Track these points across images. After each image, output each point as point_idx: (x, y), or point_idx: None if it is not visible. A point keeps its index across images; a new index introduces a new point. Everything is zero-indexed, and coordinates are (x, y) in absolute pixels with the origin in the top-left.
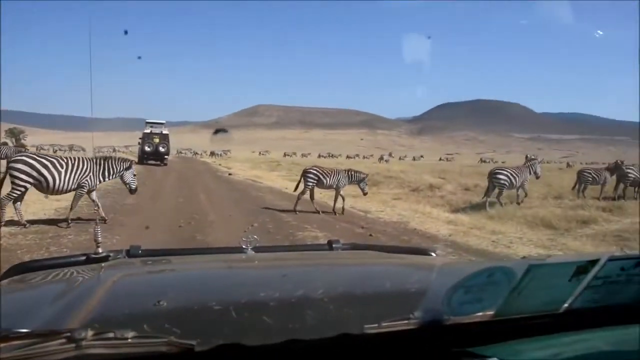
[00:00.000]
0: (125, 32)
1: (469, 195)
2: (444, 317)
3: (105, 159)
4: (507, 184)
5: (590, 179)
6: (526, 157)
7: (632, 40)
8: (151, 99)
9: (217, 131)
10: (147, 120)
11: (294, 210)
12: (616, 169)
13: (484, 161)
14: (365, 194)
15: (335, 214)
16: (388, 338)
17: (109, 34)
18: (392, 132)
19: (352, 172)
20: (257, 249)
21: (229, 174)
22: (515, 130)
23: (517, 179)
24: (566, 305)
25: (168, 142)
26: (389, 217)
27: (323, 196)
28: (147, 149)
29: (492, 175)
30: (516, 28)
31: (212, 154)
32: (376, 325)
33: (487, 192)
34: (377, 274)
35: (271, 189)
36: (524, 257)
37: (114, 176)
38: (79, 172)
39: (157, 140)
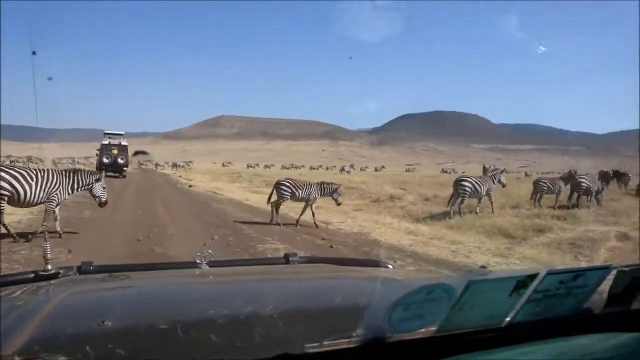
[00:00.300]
0: (34, 53)
1: (428, 206)
2: (387, 334)
3: (74, 171)
4: (472, 192)
5: (546, 188)
6: (484, 167)
7: (582, 55)
8: (110, 109)
9: (137, 152)
10: (105, 131)
11: (277, 223)
12: (570, 178)
13: (446, 172)
14: (339, 204)
15: (297, 226)
16: (329, 357)
17: (62, 44)
18: (353, 143)
19: (325, 185)
20: (211, 264)
21: (190, 186)
22: (474, 140)
23: (482, 187)
24: (508, 319)
25: (127, 153)
26: (350, 228)
27: (285, 207)
28: (105, 160)
29: (457, 184)
30: (474, 39)
31: (175, 165)
32: (317, 344)
33: (452, 200)
34: (329, 289)
35: (232, 200)
36: (482, 267)
37: (83, 189)
38: (49, 184)
39: (115, 152)
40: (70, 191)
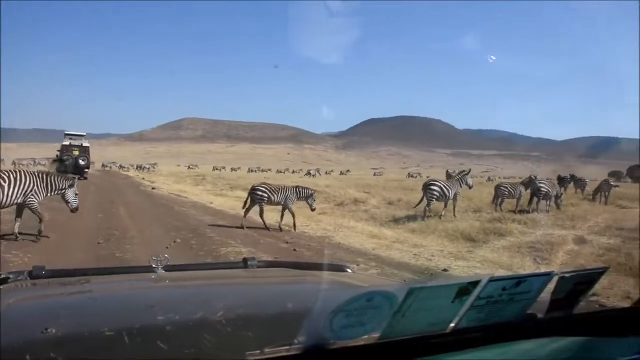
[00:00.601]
0: None
1: (392, 210)
2: (328, 341)
3: (48, 174)
4: (440, 196)
5: (507, 192)
6: (447, 172)
7: (541, 64)
8: (71, 109)
9: (70, 148)
10: (66, 132)
11: (266, 228)
12: (530, 183)
13: (412, 176)
14: (313, 209)
15: (268, 229)
16: None
17: (20, 42)
18: (318, 147)
19: (300, 189)
20: (167, 268)
21: (152, 189)
22: (437, 145)
23: (450, 191)
24: (452, 325)
25: (88, 154)
26: (314, 231)
27: (252, 212)
28: (65, 161)
29: (426, 187)
30: (438, 45)
31: (139, 167)
32: (258, 351)
33: (421, 203)
34: (283, 294)
35: (195, 203)
36: (444, 270)
37: (56, 193)
38: (23, 186)
39: (76, 153)
40: (44, 193)
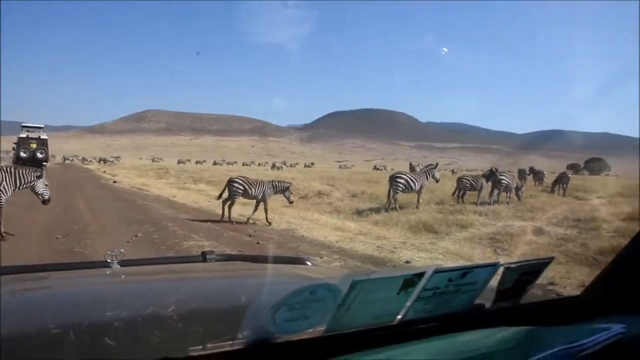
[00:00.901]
0: None
1: (355, 202)
2: (273, 336)
3: (15, 168)
4: (405, 188)
5: (469, 185)
6: (410, 164)
7: (502, 58)
8: (29, 101)
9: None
10: (23, 124)
11: (229, 221)
12: (491, 175)
13: (378, 168)
14: (291, 202)
15: (232, 223)
16: None
17: None
18: (283, 140)
19: (277, 182)
20: (123, 263)
21: (114, 182)
22: (401, 138)
23: (416, 183)
24: (399, 317)
25: (47, 147)
26: (278, 224)
27: (216, 205)
28: (22, 154)
29: (393, 179)
30: (401, 38)
31: (103, 160)
32: (201, 347)
33: (390, 195)
34: (238, 288)
35: (158, 197)
36: (407, 262)
37: (25, 186)
38: None
39: (34, 146)
40: (13, 188)
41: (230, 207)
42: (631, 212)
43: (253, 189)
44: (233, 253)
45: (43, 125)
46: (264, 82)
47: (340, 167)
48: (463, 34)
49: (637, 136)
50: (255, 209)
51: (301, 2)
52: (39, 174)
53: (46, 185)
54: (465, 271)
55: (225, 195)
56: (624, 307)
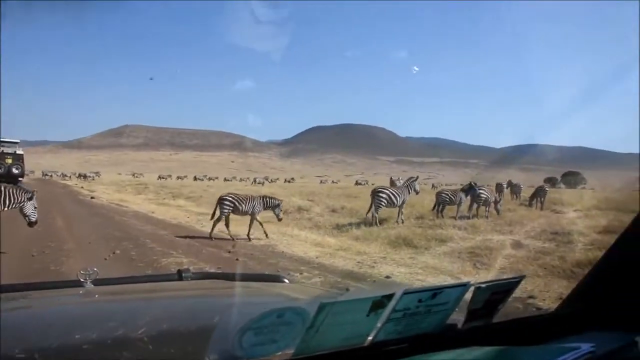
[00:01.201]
0: None
1: (335, 217)
2: (239, 359)
3: (5, 186)
4: (388, 202)
5: (447, 199)
6: (391, 179)
7: (479, 73)
8: (3, 114)
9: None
10: None
11: (210, 237)
12: (470, 190)
13: (360, 183)
14: (280, 219)
15: (211, 239)
16: None
17: None
18: (262, 155)
19: (267, 199)
20: (97, 282)
21: (92, 198)
22: (381, 153)
23: (398, 198)
24: (370, 338)
25: (23, 163)
26: (257, 240)
27: (194, 220)
28: None
29: (375, 194)
30: (380, 53)
31: (82, 176)
32: None
33: (372, 210)
34: (211, 308)
35: (136, 213)
36: (387, 277)
37: (14, 206)
38: None
39: (10, 161)
40: (2, 207)
41: (216, 222)
42: (607, 225)
43: (243, 205)
44: (210, 271)
45: (19, 141)
46: (242, 97)
47: (321, 182)
48: (440, 49)
49: (611, 150)
50: (251, 226)
51: (279, 17)
52: (29, 195)
53: (35, 207)
54: (435, 292)
55: (218, 213)
56: (600, 320)
